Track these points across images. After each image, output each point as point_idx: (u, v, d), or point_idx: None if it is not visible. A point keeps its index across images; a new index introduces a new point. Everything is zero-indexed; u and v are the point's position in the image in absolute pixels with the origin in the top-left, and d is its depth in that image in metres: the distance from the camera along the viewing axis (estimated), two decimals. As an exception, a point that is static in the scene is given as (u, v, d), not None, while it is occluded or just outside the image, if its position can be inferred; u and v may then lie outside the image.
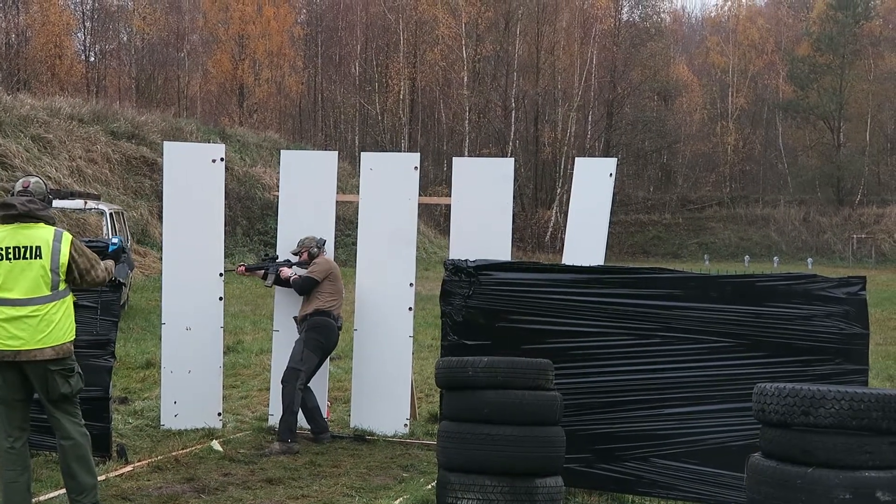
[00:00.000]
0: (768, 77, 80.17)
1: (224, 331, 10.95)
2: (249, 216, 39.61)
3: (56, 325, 6.78)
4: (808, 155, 79.02)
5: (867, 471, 5.31)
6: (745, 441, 7.52)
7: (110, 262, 7.50)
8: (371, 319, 10.55)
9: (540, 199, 67.85)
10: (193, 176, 10.58)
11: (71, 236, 6.98)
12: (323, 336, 9.95)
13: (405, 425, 10.52)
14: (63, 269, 6.87)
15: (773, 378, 7.47)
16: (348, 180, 40.97)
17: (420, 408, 11.68)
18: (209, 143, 32.80)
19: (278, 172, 11.29)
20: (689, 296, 7.96)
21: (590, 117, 69.90)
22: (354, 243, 10.88)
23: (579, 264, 8.54)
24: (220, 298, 10.63)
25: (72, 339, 6.91)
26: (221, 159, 10.70)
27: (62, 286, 6.88)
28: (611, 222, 11.56)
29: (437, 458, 7.11)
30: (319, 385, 10.49)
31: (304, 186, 10.78)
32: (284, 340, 10.59)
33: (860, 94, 73.71)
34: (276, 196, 11.16)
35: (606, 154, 61.74)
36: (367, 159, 11.02)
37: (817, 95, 73.40)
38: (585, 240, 10.50)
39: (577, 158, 11.43)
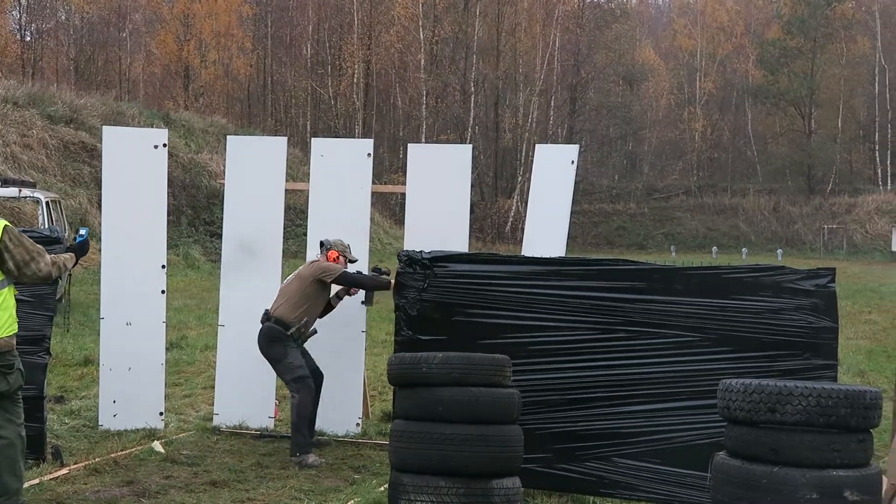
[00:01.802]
0: (737, 61, 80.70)
1: (167, 326, 10.89)
2: (194, 205, 39.39)
3: None
4: (778, 142, 79.63)
5: (835, 469, 5.36)
6: (711, 439, 7.56)
7: (66, 256, 7.41)
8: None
9: (500, 188, 67.95)
10: (135, 162, 10.50)
11: (5, 224, 6.82)
12: None
13: (357, 424, 10.51)
14: None
15: (740, 374, 7.51)
16: (299, 168, 40.84)
17: (373, 406, 11.67)
18: (152, 127, 32.59)
19: (225, 159, 11.23)
20: (653, 288, 8.00)
21: (552, 102, 70.03)
22: (305, 234, 10.83)
23: (539, 256, 8.55)
24: (163, 291, 10.55)
25: (11, 333, 6.79)
26: (165, 145, 10.63)
27: None
28: (573, 212, 11.59)
29: (390, 459, 7.10)
30: (266, 383, 10.47)
31: (252, 174, 10.73)
32: (230, 336, 10.56)
33: (832, 80, 74.38)
34: (223, 184, 11.11)
35: (570, 140, 61.82)
36: (318, 145, 10.99)
37: (788, 80, 73.93)
38: (546, 230, 10.51)
39: (537, 145, 11.44)
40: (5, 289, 6.85)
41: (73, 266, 7.64)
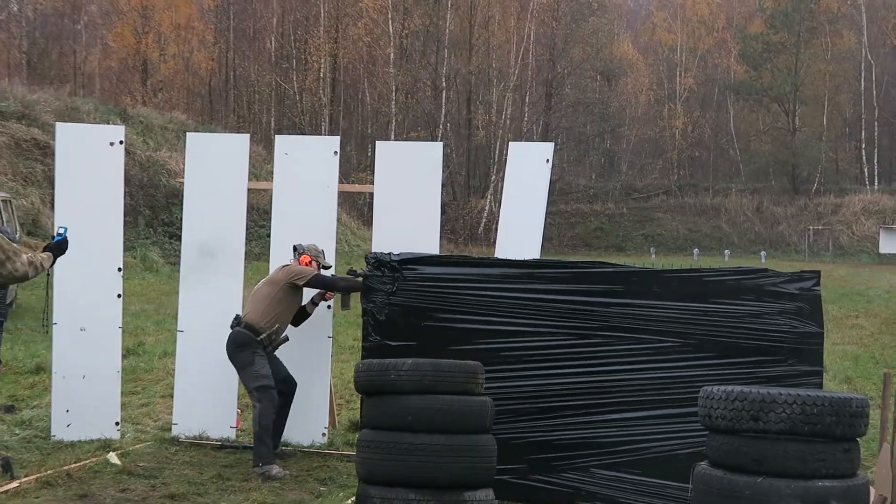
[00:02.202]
0: (719, 56, 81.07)
1: (123, 331, 10.84)
2: (153, 205, 39.24)
3: None
4: (761, 140, 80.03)
5: (820, 480, 5.39)
6: (692, 449, 7.60)
7: (44, 255, 7.47)
8: (286, 318, 10.49)
9: (473, 187, 68.00)
10: (90, 160, 10.45)
11: None
12: None
13: (323, 434, 10.49)
14: None
15: (722, 380, 7.55)
16: (262, 166, 40.76)
17: (340, 415, 11.65)
18: (108, 124, 32.44)
19: (185, 157, 11.19)
20: (631, 292, 8.03)
21: (527, 98, 70.16)
22: (268, 235, 10.82)
23: (513, 258, 8.56)
24: (119, 296, 10.51)
25: None
26: (121, 142, 10.59)
27: None
28: (549, 212, 11.62)
29: (357, 471, 7.09)
30: (228, 392, 10.44)
31: (213, 173, 10.70)
32: (190, 342, 10.51)
33: (816, 75, 74.75)
34: (182, 183, 11.07)
35: (545, 138, 61.93)
36: (282, 143, 10.96)
37: (771, 76, 74.29)
38: (520, 232, 10.51)
39: (511, 143, 11.45)
40: None
41: (51, 266, 7.71)
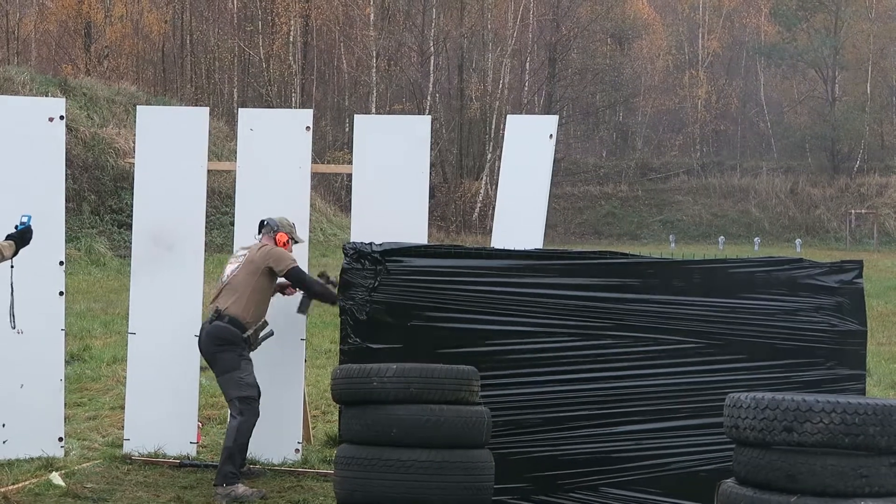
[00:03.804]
0: (747, 15, 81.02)
1: (66, 334, 10.84)
2: (99, 189, 39.18)
3: None
4: (795, 112, 79.98)
5: (863, 498, 5.42)
6: (716, 465, 7.64)
7: (4, 244, 7.90)
8: (253, 318, 10.50)
9: (466, 168, 67.94)
10: (25, 138, 10.44)
11: None
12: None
13: (296, 451, 10.50)
14: None
15: (751, 387, 7.58)
16: (224, 144, 40.73)
17: (315, 428, 11.67)
18: (46, 96, 32.39)
19: (135, 134, 11.20)
20: (647, 286, 8.05)
21: (527, 65, 70.08)
22: (232, 223, 10.83)
23: (512, 248, 8.58)
24: (61, 293, 10.51)
25: None
26: (61, 117, 10.58)
27: None
28: (553, 195, 11.64)
29: (335, 491, 7.12)
30: (187, 402, 10.45)
31: (168, 152, 10.70)
32: (143, 346, 10.51)
33: (859, 37, 74.69)
34: (133, 164, 11.08)
35: (548, 110, 62.00)
36: (247, 117, 10.98)
37: (807, 38, 74.26)
38: (520, 218, 10.53)
39: (509, 116, 11.48)
40: None
41: (13, 256, 8.16)
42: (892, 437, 5.46)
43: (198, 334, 9.69)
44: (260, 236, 9.86)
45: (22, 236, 8.22)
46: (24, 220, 8.18)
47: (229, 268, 9.73)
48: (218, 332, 9.41)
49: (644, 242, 61.03)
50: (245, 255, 9.74)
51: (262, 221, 9.94)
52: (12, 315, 9.29)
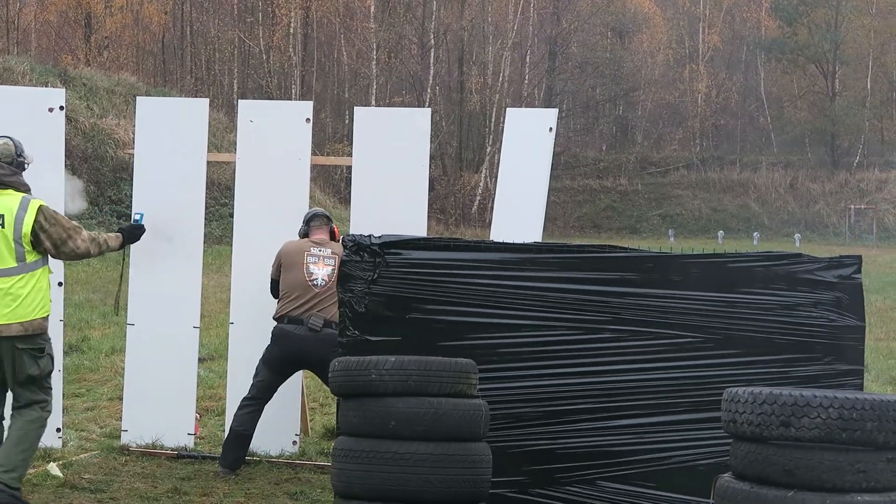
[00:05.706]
0: (748, 9, 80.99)
1: (65, 325, 10.84)
2: (98, 180, 39.16)
3: (24, 300, 7.82)
4: (796, 106, 79.93)
5: (860, 493, 5.42)
6: (714, 459, 7.64)
7: (111, 235, 8.52)
8: (251, 310, 10.49)
9: (465, 160, 67.95)
10: (25, 129, 10.35)
11: (40, 203, 7.97)
12: (270, 345, 9.80)
13: (294, 443, 10.51)
14: (27, 240, 7.87)
15: (748, 381, 7.58)
16: (224, 135, 40.74)
17: (313, 421, 11.68)
18: (46, 86, 32.35)
19: (135, 125, 11.20)
20: (646, 280, 8.05)
21: (527, 58, 70.09)
22: (231, 214, 10.83)
23: (511, 241, 8.58)
24: (60, 284, 10.49)
25: (44, 315, 7.96)
26: (61, 108, 10.58)
27: (31, 258, 7.93)
28: (552, 189, 11.65)
29: (333, 484, 7.12)
30: (185, 393, 10.46)
31: (167, 143, 10.69)
32: (141, 337, 10.52)
33: (860, 32, 74.67)
34: (132, 155, 11.08)
35: (548, 104, 61.96)
36: (247, 109, 10.98)
37: (808, 33, 74.19)
38: (519, 211, 10.54)
39: (508, 109, 11.48)
40: (39, 269, 7.96)
41: (119, 248, 8.85)
42: (889, 433, 5.46)
43: (296, 333, 9.59)
44: (307, 228, 9.89)
45: (132, 231, 8.90)
46: (137, 217, 8.55)
47: (318, 270, 9.71)
48: (329, 340, 9.21)
49: (643, 236, 61.06)
50: (328, 253, 9.79)
51: (313, 214, 9.98)
52: (117, 303, 10.10)
